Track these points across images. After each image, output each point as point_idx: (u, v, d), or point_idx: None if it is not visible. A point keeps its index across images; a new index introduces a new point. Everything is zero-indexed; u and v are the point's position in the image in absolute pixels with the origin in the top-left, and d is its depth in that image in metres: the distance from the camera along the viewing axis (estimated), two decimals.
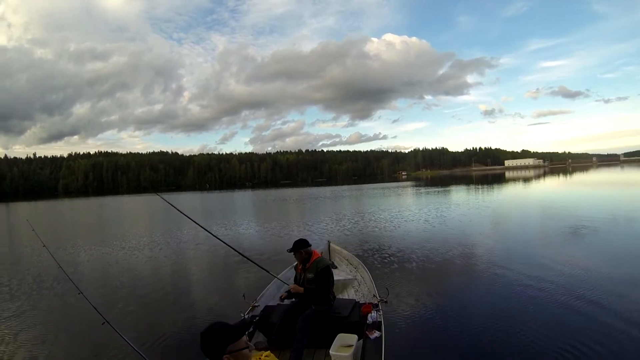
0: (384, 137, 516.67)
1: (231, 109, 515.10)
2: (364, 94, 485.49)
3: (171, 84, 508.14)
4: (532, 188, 50.10)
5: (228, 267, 14.14)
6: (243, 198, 70.60)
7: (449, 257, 12.94)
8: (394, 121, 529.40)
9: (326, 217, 27.88)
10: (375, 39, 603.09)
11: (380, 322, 5.58)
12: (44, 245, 7.70)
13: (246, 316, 6.28)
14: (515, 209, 26.47)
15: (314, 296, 6.01)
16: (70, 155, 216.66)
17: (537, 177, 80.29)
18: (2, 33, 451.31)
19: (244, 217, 32.79)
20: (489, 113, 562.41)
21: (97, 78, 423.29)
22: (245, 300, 6.81)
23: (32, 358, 7.22)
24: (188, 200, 69.13)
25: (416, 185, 71.31)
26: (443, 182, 78.44)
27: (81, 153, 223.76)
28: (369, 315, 5.76)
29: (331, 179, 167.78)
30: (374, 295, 6.63)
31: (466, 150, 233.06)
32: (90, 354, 7.17)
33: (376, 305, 6.05)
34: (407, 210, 29.13)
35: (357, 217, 26.49)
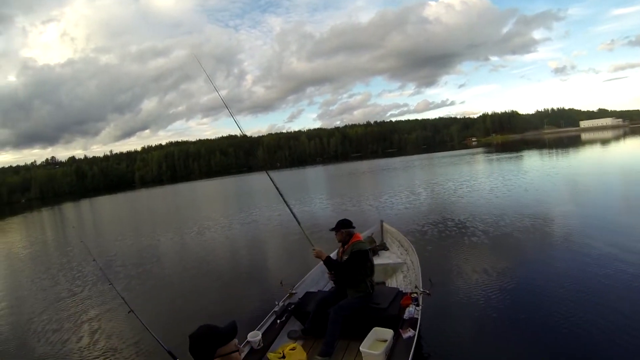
0: (452, 103, 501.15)
1: (296, 87, 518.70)
2: (428, 60, 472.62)
3: (233, 69, 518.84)
4: (613, 151, 46.47)
5: (282, 250, 14.62)
6: (314, 174, 71.75)
7: (513, 236, 11.75)
8: (461, 86, 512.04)
9: (392, 189, 28.09)
10: (433, 3, 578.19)
11: (417, 319, 5.31)
12: (90, 254, 7.48)
13: (280, 304, 6.34)
14: (596, 176, 24.00)
15: (344, 278, 5.97)
16: (143, 148, 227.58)
17: (617, 138, 72.59)
18: (67, 47, 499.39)
19: (314, 194, 33.53)
20: (559, 70, 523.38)
21: (160, 74, 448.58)
22: (283, 287, 6.76)
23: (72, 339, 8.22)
24: (260, 181, 70.58)
25: (486, 152, 68.47)
26: (514, 147, 73.86)
27: (153, 145, 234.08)
28: (407, 309, 5.53)
29: (401, 149, 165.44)
30: (415, 286, 6.16)
31: (537, 112, 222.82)
32: (118, 341, 7.77)
33: (416, 299, 5.69)
34: (474, 179, 28.39)
35: (421, 188, 26.55)
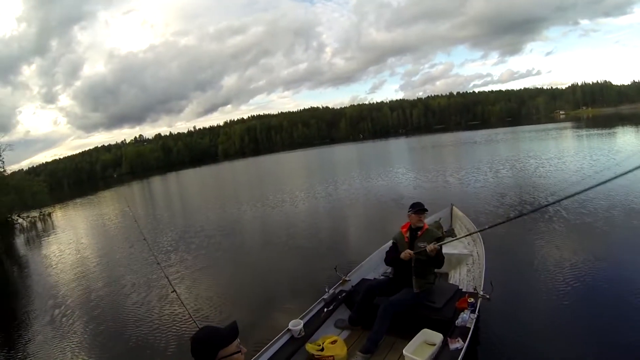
0: (538, 73, 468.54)
1: (376, 58, 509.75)
2: (512, 26, 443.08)
3: (312, 42, 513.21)
4: None
5: (350, 229, 14.55)
6: (396, 146, 71.76)
7: (599, 228, 10.43)
8: (548, 54, 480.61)
9: (470, 165, 27.36)
10: None
11: (469, 328, 4.90)
12: (143, 236, 7.10)
13: (330, 291, 6.23)
14: None
15: (423, 269, 5.66)
16: (225, 123, 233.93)
17: None
18: (148, 34, 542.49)
19: (393, 167, 33.45)
20: None
21: (239, 51, 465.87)
22: (337, 274, 6.57)
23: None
24: (343, 152, 71.10)
25: (575, 127, 63.63)
26: (607, 122, 66.42)
27: (236, 119, 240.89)
28: (461, 314, 5.17)
29: (484, 122, 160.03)
30: (475, 288, 5.78)
31: (634, 82, 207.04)
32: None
33: (473, 305, 5.24)
34: (559, 157, 26.46)
35: (500, 165, 25.59)
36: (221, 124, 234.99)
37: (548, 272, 7.97)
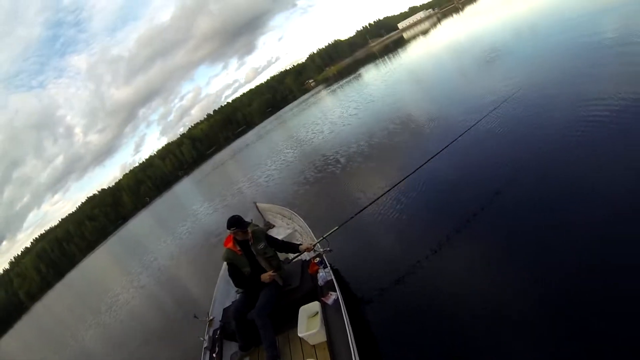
0: (278, 59, 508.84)
1: (127, 116, 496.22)
2: (240, 30, 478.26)
3: (58, 129, 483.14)
4: (435, 36, 50.16)
5: (184, 282, 14.01)
6: (182, 190, 70.63)
7: (383, 149, 11.98)
8: (280, 39, 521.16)
9: (254, 164, 27.86)
10: None
11: (332, 280, 5.25)
12: None
13: (206, 337, 5.88)
14: (429, 61, 25.91)
15: (277, 262, 5.63)
16: (11, 262, 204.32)
17: (434, 25, 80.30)
18: None
19: (193, 207, 31.86)
20: None
21: None
22: (199, 320, 6.16)
23: None
24: (138, 226, 68.68)
25: (327, 87, 71.30)
26: (350, 70, 77.71)
27: (20, 252, 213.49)
28: (318, 275, 5.44)
29: (249, 124, 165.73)
30: (314, 250, 5.91)
31: (357, 32, 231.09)
32: None
33: (321, 262, 5.60)
34: (324, 116, 28.65)
35: (280, 150, 26.43)
36: (7, 267, 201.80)
37: (359, 195, 9.25)
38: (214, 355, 5.52)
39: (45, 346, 27.70)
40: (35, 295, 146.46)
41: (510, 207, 5.71)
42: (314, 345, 4.73)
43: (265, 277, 5.39)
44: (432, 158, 6.98)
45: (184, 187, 72.52)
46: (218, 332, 5.86)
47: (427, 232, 6.25)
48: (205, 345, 5.70)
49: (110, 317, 17.23)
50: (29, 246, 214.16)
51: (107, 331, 15.64)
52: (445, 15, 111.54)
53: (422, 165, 6.86)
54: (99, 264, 58.62)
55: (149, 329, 11.90)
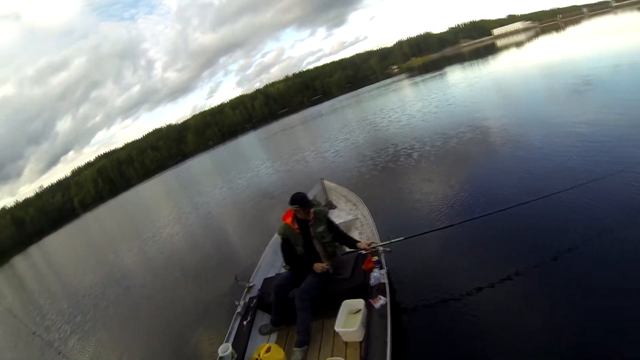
0: (366, 38, 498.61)
1: (207, 61, 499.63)
2: (333, 1, 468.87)
3: (139, 61, 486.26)
4: (528, 50, 47.44)
5: (232, 238, 13.88)
6: (247, 142, 70.15)
7: (459, 153, 11.47)
8: (372, 18, 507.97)
9: (325, 137, 27.52)
10: None
11: (385, 283, 4.98)
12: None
13: (241, 303, 5.85)
14: (518, 74, 24.59)
15: (332, 249, 5.57)
16: (73, 172, 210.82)
17: (529, 39, 75.54)
18: None
19: (252, 164, 32.13)
20: None
21: (66, 89, 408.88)
22: (239, 283, 6.25)
23: None
24: (198, 164, 69.19)
25: (410, 76, 68.60)
26: (435, 66, 73.89)
27: (83, 165, 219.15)
28: (372, 274, 5.16)
29: (326, 94, 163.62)
30: (373, 246, 5.59)
31: (450, 29, 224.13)
32: None
33: (379, 262, 5.27)
34: (403, 106, 27.68)
35: (353, 129, 25.94)
36: (69, 174, 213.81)
37: (432, 206, 8.36)
38: (245, 322, 5.52)
39: (86, 253, 29.10)
40: (88, 205, 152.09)
41: (604, 272, 4.79)
42: (346, 342, 4.68)
43: (318, 267, 5.34)
44: (537, 200, 6.06)
45: (249, 141, 71.86)
46: (255, 300, 5.87)
47: (497, 271, 5.53)
48: (238, 310, 5.71)
49: (152, 245, 17.75)
50: (92, 161, 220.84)
51: (146, 259, 16.30)
52: (544, 31, 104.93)
53: (524, 203, 5.98)
54: (153, 192, 59.54)
55: (187, 271, 12.11)
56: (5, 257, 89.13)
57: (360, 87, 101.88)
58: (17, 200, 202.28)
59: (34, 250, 68.93)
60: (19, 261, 59.08)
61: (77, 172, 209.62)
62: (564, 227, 5.97)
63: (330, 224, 5.63)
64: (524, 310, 4.79)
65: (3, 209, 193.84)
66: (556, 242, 5.68)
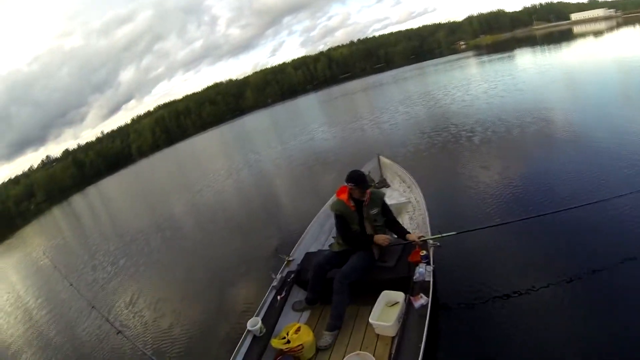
0: (434, 10, 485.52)
1: (271, 20, 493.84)
2: None
3: (203, 17, 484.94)
4: (607, 42, 41.84)
5: (269, 205, 13.80)
6: (306, 103, 70.35)
7: (526, 148, 10.79)
8: None
9: (384, 108, 26.84)
10: None
11: (429, 282, 4.69)
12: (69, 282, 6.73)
13: (278, 276, 5.77)
14: (593, 67, 22.46)
15: (383, 233, 5.40)
16: (133, 119, 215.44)
17: (610, 29, 67.20)
18: (29, 43, 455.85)
19: (307, 126, 32.06)
20: None
21: (130, 41, 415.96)
22: (279, 255, 6.22)
23: None
24: (255, 120, 69.71)
25: (477, 54, 65.68)
26: (505, 46, 69.76)
27: (142, 113, 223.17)
28: (417, 269, 4.89)
29: (389, 63, 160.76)
30: (423, 239, 5.29)
31: (525, 8, 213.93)
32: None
33: (426, 257, 4.99)
34: (467, 85, 26.44)
35: (414, 102, 25.29)
36: (128, 121, 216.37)
37: (487, 199, 8.03)
38: (279, 297, 5.46)
39: (138, 199, 30.23)
40: (144, 152, 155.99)
41: None
42: (378, 335, 4.59)
43: (380, 238, 5.23)
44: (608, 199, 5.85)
45: (308, 102, 71.81)
46: (292, 275, 5.82)
47: (549, 277, 5.26)
48: (274, 284, 5.64)
49: (201, 198, 18.38)
50: (151, 110, 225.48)
51: (194, 210, 16.88)
52: (627, 22, 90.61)
53: (594, 203, 5.66)
54: (208, 145, 60.58)
55: (230, 230, 12.33)
56: (65, 195, 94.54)
57: (424, 60, 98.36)
58: (79, 144, 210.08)
59: (91, 190, 71.75)
60: (77, 200, 62.25)
61: (137, 120, 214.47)
62: (627, 234, 5.60)
63: (385, 208, 5.51)
64: (574, 327, 4.51)
65: (66, 150, 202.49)
66: (616, 250, 5.33)
